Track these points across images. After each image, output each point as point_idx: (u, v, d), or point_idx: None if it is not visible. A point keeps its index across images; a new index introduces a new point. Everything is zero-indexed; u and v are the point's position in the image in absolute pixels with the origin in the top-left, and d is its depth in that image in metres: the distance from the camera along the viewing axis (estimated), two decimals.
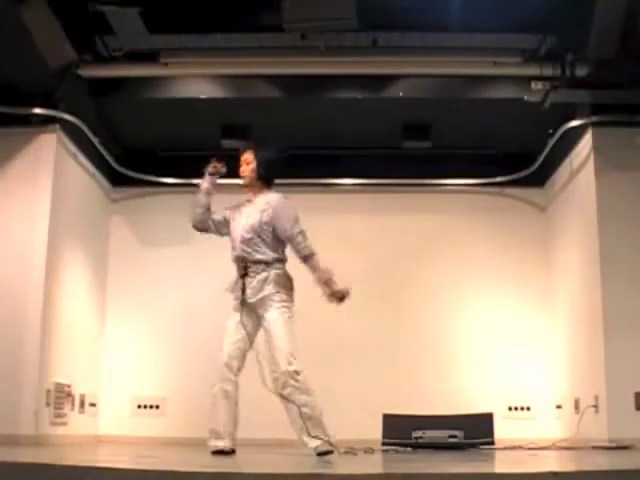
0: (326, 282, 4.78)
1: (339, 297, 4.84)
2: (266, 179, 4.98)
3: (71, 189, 7.10)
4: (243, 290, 4.80)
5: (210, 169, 5.01)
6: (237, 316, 4.82)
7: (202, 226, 5.08)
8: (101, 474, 2.93)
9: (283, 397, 4.66)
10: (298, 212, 4.90)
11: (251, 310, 4.84)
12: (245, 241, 4.86)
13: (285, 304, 4.82)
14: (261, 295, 4.79)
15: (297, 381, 4.65)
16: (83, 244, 7.45)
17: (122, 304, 7.96)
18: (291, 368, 4.65)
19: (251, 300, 4.80)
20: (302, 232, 4.85)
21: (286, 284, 4.87)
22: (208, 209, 5.02)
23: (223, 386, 4.76)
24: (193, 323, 7.77)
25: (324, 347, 7.43)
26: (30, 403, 6.25)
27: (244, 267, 4.83)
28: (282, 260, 4.91)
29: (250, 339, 4.85)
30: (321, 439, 4.59)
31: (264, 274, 4.82)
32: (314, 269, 4.80)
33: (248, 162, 4.96)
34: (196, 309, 7.78)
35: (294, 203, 4.95)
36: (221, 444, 4.68)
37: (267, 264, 4.83)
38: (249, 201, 5.00)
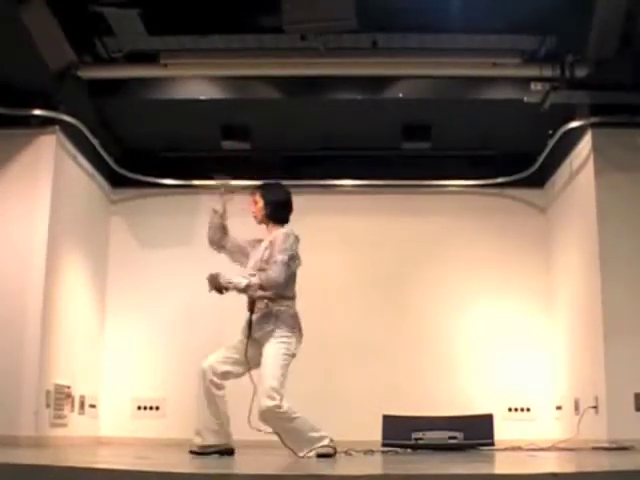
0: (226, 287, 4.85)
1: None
2: (274, 218, 5.06)
3: (71, 190, 7.10)
4: (250, 325, 4.87)
5: (221, 192, 5.11)
6: (243, 339, 4.87)
7: (216, 245, 5.16)
8: (100, 475, 2.93)
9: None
10: (294, 244, 4.93)
11: (256, 345, 4.88)
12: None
13: (283, 339, 4.83)
14: (262, 332, 4.86)
15: (278, 414, 4.65)
16: (83, 245, 7.45)
17: (122, 305, 7.96)
18: (271, 404, 4.62)
19: (255, 335, 4.87)
20: (282, 261, 4.84)
21: (288, 321, 4.89)
22: (222, 228, 5.11)
23: (206, 386, 4.80)
24: (193, 324, 7.77)
25: (324, 348, 7.44)
26: (30, 404, 6.25)
27: (251, 303, 4.90)
28: (287, 297, 4.92)
29: (248, 367, 4.86)
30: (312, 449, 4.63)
31: (266, 310, 4.88)
32: (245, 280, 4.81)
33: (256, 202, 5.10)
34: (196, 310, 7.77)
35: (295, 235, 4.96)
36: (197, 440, 4.76)
37: (270, 301, 4.88)
38: (265, 237, 5.09)
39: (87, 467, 3.09)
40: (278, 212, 5.07)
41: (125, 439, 7.43)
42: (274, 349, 4.79)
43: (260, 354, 4.86)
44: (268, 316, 4.86)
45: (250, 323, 4.87)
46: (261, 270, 4.90)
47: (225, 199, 5.09)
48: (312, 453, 4.61)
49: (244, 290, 4.82)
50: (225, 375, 4.85)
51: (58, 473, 2.92)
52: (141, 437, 7.46)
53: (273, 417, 4.64)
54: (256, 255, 5.00)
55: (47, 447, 6.07)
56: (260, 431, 4.69)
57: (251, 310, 4.89)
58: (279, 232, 4.99)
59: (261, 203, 5.08)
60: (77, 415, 7.11)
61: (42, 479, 2.90)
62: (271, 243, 4.95)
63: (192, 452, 4.74)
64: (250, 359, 4.84)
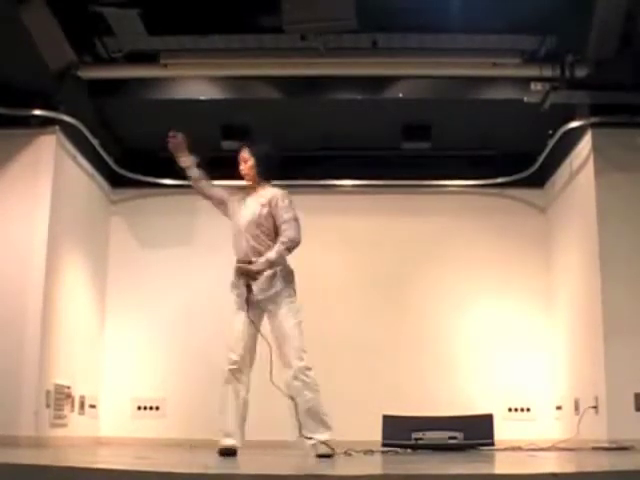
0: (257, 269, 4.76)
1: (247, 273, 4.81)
2: (266, 175, 5.02)
3: (71, 190, 7.10)
4: (248, 287, 4.79)
5: (170, 146, 5.18)
6: (243, 314, 4.82)
7: (200, 194, 5.20)
8: (100, 476, 2.93)
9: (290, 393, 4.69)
10: (293, 201, 4.96)
11: (256, 307, 4.83)
12: (252, 236, 4.86)
13: (292, 299, 4.85)
14: (271, 292, 4.79)
15: (307, 377, 4.70)
16: (83, 245, 7.45)
17: (122, 305, 7.96)
18: (301, 364, 4.69)
19: (260, 297, 4.79)
20: (295, 218, 4.88)
21: (291, 279, 4.90)
22: (197, 180, 5.16)
23: (235, 386, 4.76)
24: (193, 324, 7.77)
25: (324, 348, 7.40)
26: (30, 404, 6.25)
27: (249, 263, 4.82)
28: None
29: (256, 336, 4.84)
30: (319, 440, 4.61)
31: (270, 270, 4.82)
32: (274, 253, 4.77)
33: (246, 160, 5.01)
34: (196, 310, 7.78)
35: (291, 196, 4.99)
36: (231, 442, 4.68)
37: None
38: (250, 194, 5.01)
39: (87, 467, 3.09)
40: (269, 168, 5.01)
41: (125, 439, 7.43)
42: (288, 311, 4.78)
43: (260, 315, 4.83)
44: (273, 278, 4.81)
45: (249, 285, 4.78)
46: (261, 227, 4.85)
47: (174, 147, 5.15)
48: (313, 442, 4.61)
49: (274, 263, 4.76)
50: (251, 367, 4.82)
51: (58, 473, 2.92)
52: (141, 437, 7.45)
53: (303, 380, 4.65)
54: (248, 211, 4.90)
55: (47, 447, 6.07)
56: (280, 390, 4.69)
57: (250, 275, 4.78)
58: (276, 192, 4.95)
59: (252, 161, 4.99)
60: (77, 415, 7.11)
61: (42, 479, 2.90)
62: (269, 202, 4.89)
63: (224, 453, 4.61)
64: (255, 322, 4.81)
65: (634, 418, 6.14)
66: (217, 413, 4.81)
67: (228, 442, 4.68)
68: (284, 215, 4.85)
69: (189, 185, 7.93)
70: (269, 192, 4.96)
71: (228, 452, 4.60)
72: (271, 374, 4.70)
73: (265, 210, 4.88)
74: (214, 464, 3.88)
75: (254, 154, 4.99)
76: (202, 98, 7.19)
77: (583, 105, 6.77)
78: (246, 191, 5.06)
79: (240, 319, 4.83)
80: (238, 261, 4.85)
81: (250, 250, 4.85)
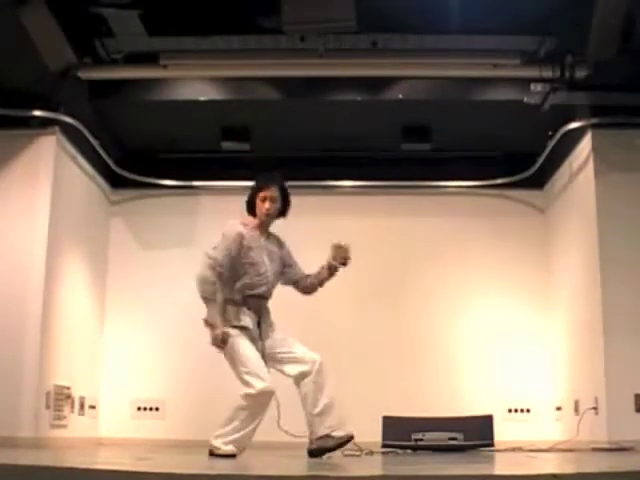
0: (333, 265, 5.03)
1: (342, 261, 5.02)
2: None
3: (71, 191, 7.10)
4: (259, 325, 4.83)
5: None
6: (252, 343, 4.80)
7: None
8: (100, 476, 2.93)
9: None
10: None
11: (258, 339, 4.86)
12: (273, 282, 4.91)
13: None
14: (274, 327, 4.91)
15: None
16: (83, 246, 7.45)
17: (122, 306, 7.95)
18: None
19: (269, 333, 4.87)
20: None
21: None
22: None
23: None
24: (193, 325, 7.71)
25: (324, 349, 7.38)
26: (30, 405, 6.25)
27: (264, 307, 4.91)
28: None
29: None
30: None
31: (271, 319, 4.93)
32: (322, 272, 5.04)
33: (275, 200, 4.82)
34: (196, 311, 7.72)
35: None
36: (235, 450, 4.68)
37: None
38: (259, 234, 4.88)
39: (87, 468, 3.09)
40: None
41: (125, 440, 7.42)
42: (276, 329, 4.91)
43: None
44: (272, 324, 4.92)
45: (259, 323, 4.84)
46: (282, 275, 4.99)
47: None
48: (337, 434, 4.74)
49: None
50: None
51: (58, 474, 2.92)
52: (141, 438, 7.45)
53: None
54: (273, 261, 4.88)
55: (47, 448, 6.06)
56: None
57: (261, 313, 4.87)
58: (279, 238, 5.00)
59: (279, 203, 4.83)
60: (77, 416, 7.10)
61: None
62: (281, 246, 4.97)
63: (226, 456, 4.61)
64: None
65: (634, 419, 6.14)
66: (231, 423, 4.69)
67: (233, 449, 4.68)
68: (295, 262, 5.05)
69: (189, 186, 8.04)
70: (276, 237, 4.98)
71: (231, 456, 4.61)
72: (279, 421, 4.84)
73: (281, 260, 4.96)
74: (216, 465, 3.88)
75: (283, 193, 4.87)
76: (202, 99, 7.19)
77: (583, 106, 6.77)
78: (253, 227, 4.86)
79: (251, 345, 4.78)
80: (257, 296, 4.82)
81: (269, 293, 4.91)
